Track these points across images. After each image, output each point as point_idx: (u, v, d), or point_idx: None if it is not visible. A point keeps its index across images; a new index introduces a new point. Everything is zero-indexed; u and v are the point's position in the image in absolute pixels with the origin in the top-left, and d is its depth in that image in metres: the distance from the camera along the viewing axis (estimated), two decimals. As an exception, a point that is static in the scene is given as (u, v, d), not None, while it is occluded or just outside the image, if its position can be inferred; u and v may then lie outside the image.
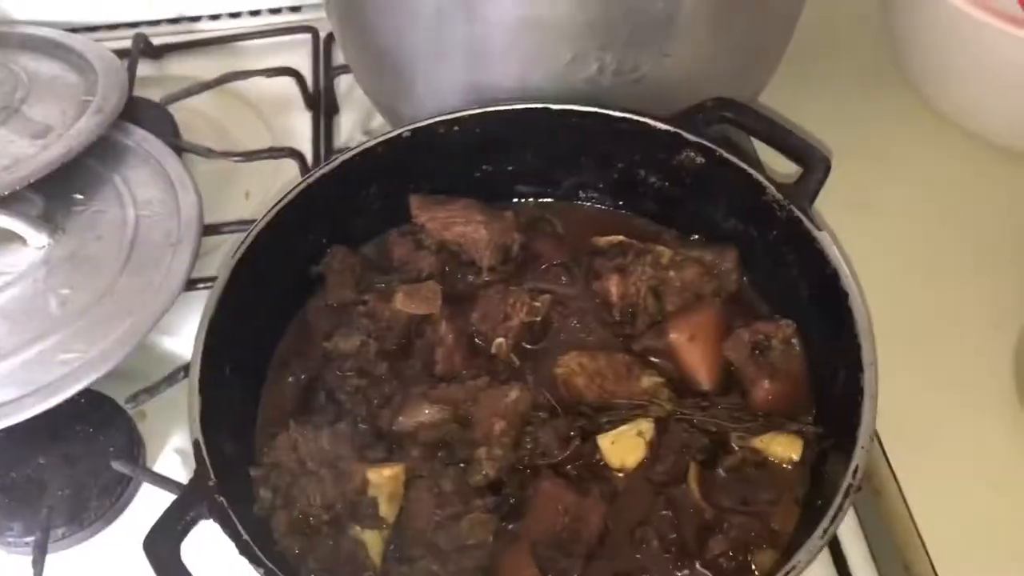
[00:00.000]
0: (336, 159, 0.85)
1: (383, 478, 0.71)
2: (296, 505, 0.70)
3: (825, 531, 0.62)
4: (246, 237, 0.79)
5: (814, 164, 0.80)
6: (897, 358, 0.82)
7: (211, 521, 0.65)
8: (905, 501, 0.83)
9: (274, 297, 0.85)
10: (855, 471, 0.65)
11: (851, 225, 0.85)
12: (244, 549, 0.63)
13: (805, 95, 1.06)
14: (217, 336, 0.75)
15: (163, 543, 0.64)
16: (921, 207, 1.02)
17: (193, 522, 0.65)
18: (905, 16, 1.08)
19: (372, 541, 0.70)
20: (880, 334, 0.75)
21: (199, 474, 0.66)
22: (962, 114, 1.07)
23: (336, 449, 0.72)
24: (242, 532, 0.63)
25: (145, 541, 0.64)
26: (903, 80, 1.12)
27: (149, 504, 0.86)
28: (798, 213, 0.78)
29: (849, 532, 0.82)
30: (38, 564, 0.80)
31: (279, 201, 0.82)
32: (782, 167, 0.87)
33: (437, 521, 0.70)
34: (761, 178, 0.80)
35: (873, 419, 0.67)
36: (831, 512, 0.63)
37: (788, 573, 0.61)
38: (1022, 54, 0.84)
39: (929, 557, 0.80)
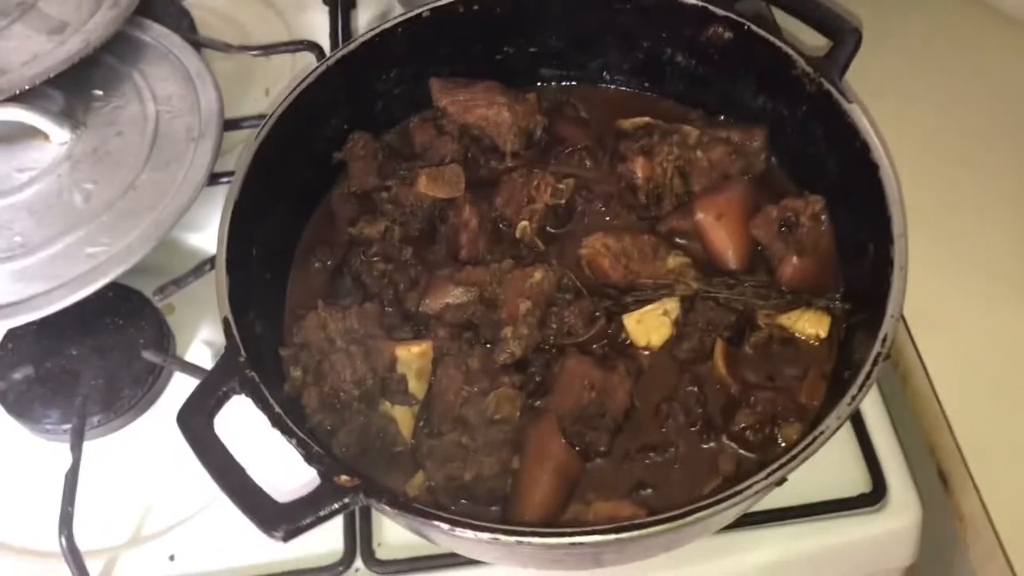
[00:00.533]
0: (355, 40, 0.83)
1: (412, 355, 0.71)
2: (327, 381, 0.70)
3: (854, 398, 0.62)
4: (267, 120, 0.78)
5: (844, 36, 0.78)
6: (924, 242, 0.80)
7: (243, 396, 0.66)
8: (932, 384, 0.83)
9: (297, 184, 0.85)
10: (884, 339, 0.64)
11: (879, 109, 0.82)
12: (276, 421, 0.64)
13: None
14: (242, 221, 0.75)
15: (197, 417, 0.65)
16: (951, 92, 0.99)
17: (226, 396, 0.66)
18: None
19: (402, 416, 0.71)
20: (908, 218, 0.74)
21: (230, 350, 0.67)
22: None
23: (365, 327, 0.72)
24: (274, 405, 0.64)
25: (179, 415, 0.65)
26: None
27: (180, 392, 0.85)
28: (828, 86, 0.76)
29: (875, 416, 0.82)
30: (76, 449, 0.82)
31: (298, 84, 0.81)
32: (810, 44, 0.84)
33: (465, 397, 0.70)
34: (791, 51, 0.78)
35: (903, 288, 0.66)
36: (860, 379, 0.63)
37: (816, 439, 0.61)
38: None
39: (955, 438, 0.80)
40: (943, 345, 0.84)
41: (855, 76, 0.78)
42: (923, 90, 0.99)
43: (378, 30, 0.83)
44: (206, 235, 0.95)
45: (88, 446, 0.83)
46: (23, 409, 0.86)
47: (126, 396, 0.87)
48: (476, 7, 0.84)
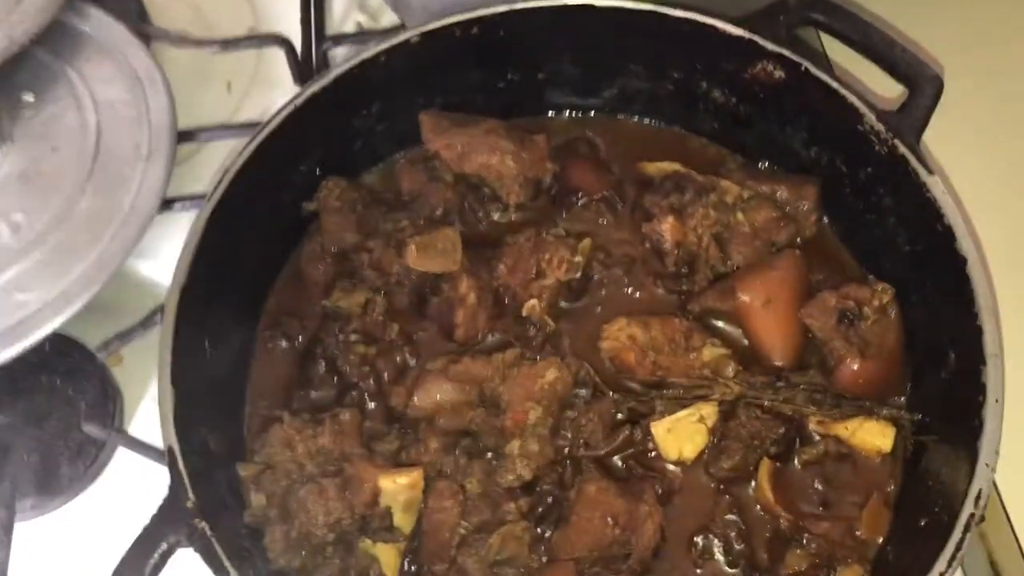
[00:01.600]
0: (329, 74, 0.71)
1: (398, 486, 0.60)
2: (295, 520, 0.59)
3: (950, 562, 0.51)
4: (219, 183, 0.67)
5: (922, 84, 0.66)
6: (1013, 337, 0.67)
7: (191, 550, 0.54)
8: (1015, 533, 0.67)
9: (260, 245, 0.73)
10: (977, 497, 0.53)
11: (963, 158, 0.69)
12: (232, 586, 0.52)
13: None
14: (191, 310, 0.64)
15: (135, 577, 0.53)
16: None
17: (170, 552, 0.55)
18: None
19: (386, 556, 0.61)
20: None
21: (174, 492, 0.55)
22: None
23: (340, 447, 0.61)
24: (230, 569, 0.52)
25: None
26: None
27: (127, 464, 0.78)
28: (903, 149, 0.64)
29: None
30: (4, 546, 0.72)
31: (258, 133, 0.69)
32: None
33: (462, 536, 0.59)
34: (857, 102, 0.66)
35: (999, 428, 0.55)
36: (950, 549, 0.52)
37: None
38: None
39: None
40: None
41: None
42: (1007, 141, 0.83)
43: (356, 62, 0.70)
44: (158, 263, 0.85)
45: (20, 528, 0.73)
46: None
47: (64, 474, 0.77)
48: (475, 30, 0.71)
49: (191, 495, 0.55)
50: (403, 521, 0.61)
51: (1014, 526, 0.66)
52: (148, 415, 0.81)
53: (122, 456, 0.78)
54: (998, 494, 0.67)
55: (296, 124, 0.69)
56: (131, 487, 0.57)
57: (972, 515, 0.52)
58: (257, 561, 0.57)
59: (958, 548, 0.52)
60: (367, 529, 0.60)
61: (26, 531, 0.75)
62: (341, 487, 0.59)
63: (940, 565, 0.51)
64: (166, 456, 0.57)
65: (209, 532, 0.54)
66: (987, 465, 0.54)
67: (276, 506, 0.60)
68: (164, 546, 0.54)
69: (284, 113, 0.68)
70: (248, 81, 0.98)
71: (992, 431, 0.55)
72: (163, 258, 0.83)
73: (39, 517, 0.77)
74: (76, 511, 0.77)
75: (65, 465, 0.77)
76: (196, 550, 0.54)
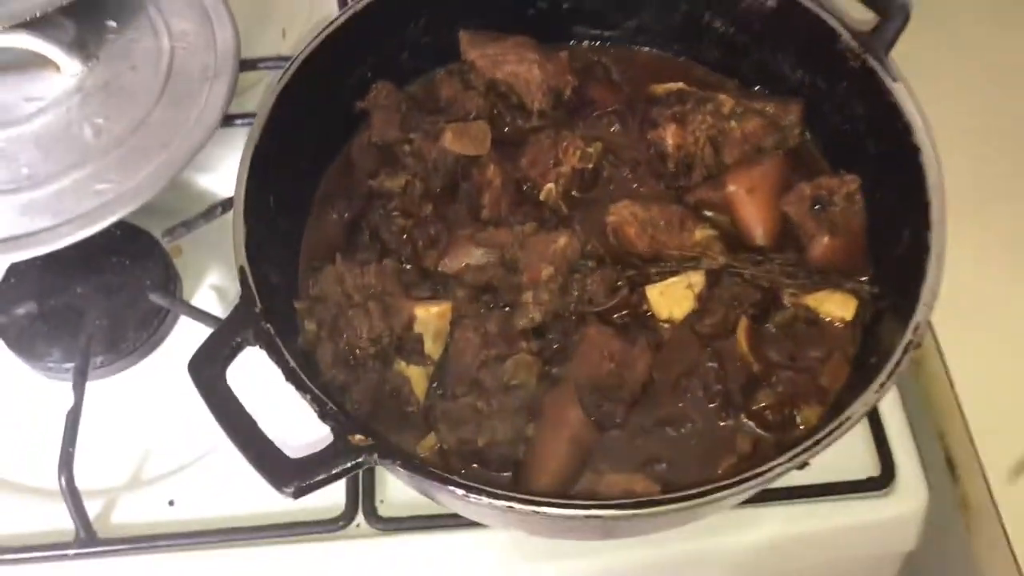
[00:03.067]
0: None
1: (430, 315, 0.70)
2: (342, 337, 0.69)
3: (882, 385, 0.61)
4: (288, 69, 0.77)
5: (893, 11, 0.76)
6: (957, 223, 0.78)
7: (257, 348, 0.65)
8: (947, 370, 0.82)
9: (318, 132, 0.83)
10: (916, 327, 0.63)
11: (924, 90, 0.80)
12: (291, 375, 0.63)
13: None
14: (260, 167, 0.74)
15: (209, 367, 0.63)
16: (1000, 76, 0.96)
17: (239, 347, 0.65)
18: None
19: (416, 376, 0.70)
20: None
21: (245, 300, 0.66)
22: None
23: (383, 284, 0.71)
24: (289, 359, 0.63)
25: (190, 364, 0.64)
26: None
27: (185, 336, 0.87)
28: (873, 62, 0.74)
29: (888, 400, 0.81)
30: (78, 389, 0.81)
31: (323, 30, 0.79)
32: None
33: (482, 360, 0.69)
34: (836, 24, 0.77)
35: (939, 277, 0.65)
36: (889, 366, 0.62)
37: (841, 424, 0.60)
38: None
39: (967, 426, 0.80)
40: (961, 332, 0.84)
41: (900, 55, 0.76)
42: (972, 72, 0.96)
43: None
44: (217, 176, 0.94)
45: (90, 386, 0.82)
46: (25, 345, 0.85)
47: (131, 338, 0.87)
48: (509, -39, 0.82)
49: (259, 303, 0.65)
50: (432, 348, 0.71)
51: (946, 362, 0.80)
52: (205, 298, 0.91)
53: (182, 326, 0.88)
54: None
55: (353, 27, 0.80)
56: (189, 352, 0.65)
57: (910, 341, 0.62)
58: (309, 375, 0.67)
59: (897, 364, 0.62)
60: (402, 351, 0.70)
61: (97, 388, 0.84)
62: (383, 311, 0.69)
63: (881, 377, 0.61)
64: (238, 274, 0.67)
65: (273, 332, 0.64)
66: (925, 304, 0.64)
67: (326, 328, 0.70)
68: (235, 341, 0.64)
69: (344, 16, 0.79)
70: (300, 28, 1.07)
71: (932, 279, 0.65)
72: (222, 172, 0.93)
73: (108, 377, 0.86)
74: (140, 373, 0.87)
75: (132, 330, 0.87)
76: (261, 346, 0.64)
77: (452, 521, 0.75)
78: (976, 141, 0.91)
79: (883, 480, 0.77)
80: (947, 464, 0.84)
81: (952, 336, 0.84)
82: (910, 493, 0.78)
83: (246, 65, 0.95)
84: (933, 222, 0.67)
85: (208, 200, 0.91)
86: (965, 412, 0.81)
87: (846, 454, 0.78)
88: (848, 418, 0.60)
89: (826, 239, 0.75)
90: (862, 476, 0.78)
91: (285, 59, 0.94)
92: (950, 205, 0.70)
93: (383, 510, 0.77)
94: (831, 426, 0.60)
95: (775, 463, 0.59)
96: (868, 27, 0.77)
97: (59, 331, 0.86)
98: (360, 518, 0.76)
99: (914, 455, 0.80)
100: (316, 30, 0.81)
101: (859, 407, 0.61)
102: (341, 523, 0.76)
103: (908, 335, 0.63)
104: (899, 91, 0.73)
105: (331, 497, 0.76)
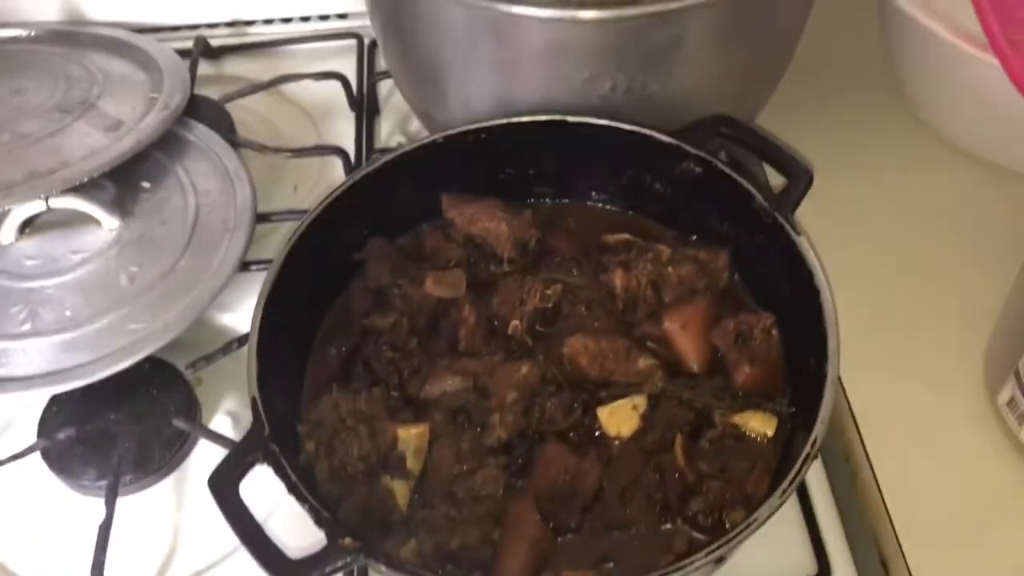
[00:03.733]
0: (378, 160, 0.95)
1: (411, 435, 0.82)
2: (336, 455, 0.81)
3: (784, 491, 0.72)
4: (299, 227, 0.89)
5: (797, 176, 0.90)
6: (877, 350, 0.93)
7: (265, 466, 0.76)
8: (876, 478, 0.92)
9: (321, 280, 0.96)
10: (813, 442, 0.75)
11: (836, 231, 0.94)
12: (293, 488, 0.74)
13: (804, 110, 1.16)
14: (272, 310, 0.85)
15: (225, 483, 0.74)
16: (902, 216, 1.11)
17: (251, 465, 0.75)
18: (893, 34, 1.17)
19: (400, 489, 0.81)
20: (861, 329, 0.85)
21: (256, 426, 0.77)
22: (950, 129, 1.16)
23: (371, 410, 0.83)
24: (291, 475, 0.74)
25: (210, 479, 0.75)
26: (899, 96, 1.21)
27: (205, 457, 0.97)
28: (781, 220, 0.88)
29: (824, 506, 0.92)
30: (110, 504, 0.90)
31: (327, 196, 0.92)
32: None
33: (455, 475, 0.81)
34: (750, 187, 0.90)
35: (832, 399, 0.77)
36: (790, 475, 0.73)
37: (750, 524, 0.71)
38: (992, 78, 0.93)
39: (896, 534, 0.89)
40: (889, 448, 0.94)
41: (821, 198, 0.90)
42: (884, 212, 1.10)
43: (398, 153, 0.95)
44: (235, 315, 1.05)
45: (120, 501, 0.91)
46: (64, 466, 0.94)
47: (156, 458, 0.95)
48: (483, 135, 0.97)
49: (267, 427, 0.77)
50: (413, 464, 0.81)
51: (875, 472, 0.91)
52: (221, 422, 1.01)
53: (202, 447, 0.98)
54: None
55: (353, 194, 0.92)
56: (208, 470, 0.74)
57: (808, 453, 0.74)
58: (308, 489, 0.78)
59: (797, 473, 0.73)
60: (387, 467, 0.81)
61: (126, 503, 0.93)
62: (370, 433, 0.80)
63: (784, 485, 0.72)
64: (251, 403, 0.78)
65: (278, 452, 0.76)
66: (821, 422, 0.75)
67: (323, 448, 0.81)
68: (247, 460, 0.75)
69: (346, 185, 0.92)
70: (311, 185, 1.21)
71: (828, 399, 0.76)
72: (239, 311, 1.04)
73: (137, 492, 0.95)
74: (164, 489, 0.96)
75: (158, 451, 0.95)
76: (269, 464, 0.75)
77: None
78: (887, 274, 1.05)
79: (820, 577, 0.86)
80: (881, 565, 0.93)
81: (879, 447, 0.94)
82: (845, 589, 0.86)
83: (261, 218, 1.08)
84: (829, 353, 0.80)
85: (227, 336, 1.00)
86: (892, 516, 0.90)
87: (786, 556, 0.88)
88: (756, 519, 0.71)
89: (747, 368, 0.87)
90: (801, 575, 0.87)
91: (296, 212, 1.08)
92: (873, 338, 0.83)
93: (373, 605, 0.85)
94: (741, 526, 0.71)
95: (695, 557, 0.70)
96: (779, 189, 0.91)
97: (94, 453, 0.94)
98: (355, 613, 0.84)
99: (847, 556, 0.88)
100: (323, 190, 0.94)
101: (764, 510, 0.72)
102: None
103: (807, 448, 0.74)
104: (802, 244, 0.86)
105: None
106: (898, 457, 0.94)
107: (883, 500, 0.92)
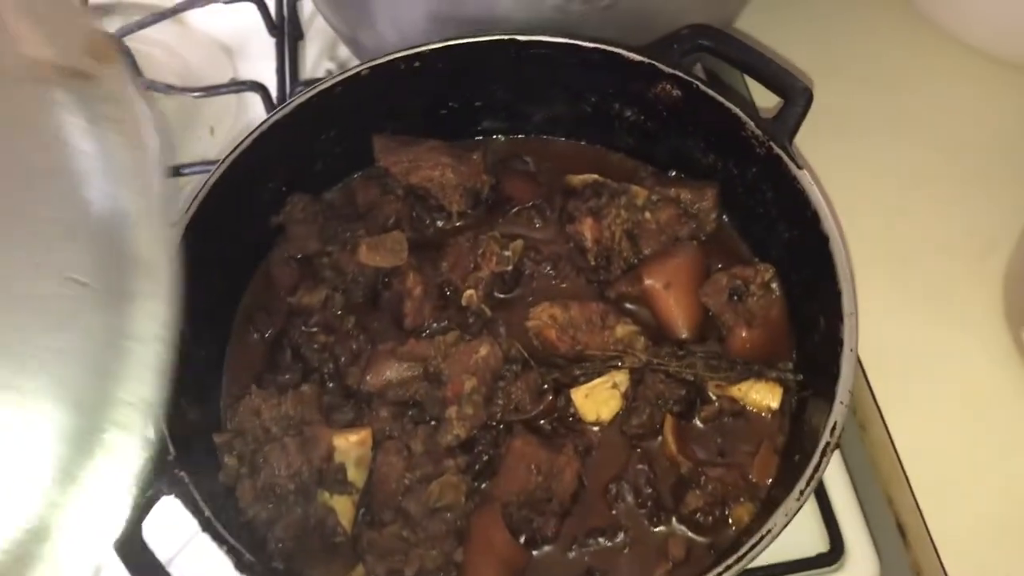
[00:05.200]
0: (290, 103, 0.80)
1: (350, 444, 0.69)
2: (261, 473, 0.68)
3: (802, 492, 0.61)
4: (197, 193, 0.75)
5: (794, 96, 0.76)
6: (883, 285, 0.82)
7: (172, 497, 0.63)
8: (889, 433, 0.82)
9: (234, 251, 0.82)
10: (833, 428, 0.62)
11: (835, 151, 0.82)
12: (206, 526, 0.62)
13: (787, 12, 1.01)
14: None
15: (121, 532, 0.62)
16: (909, 128, 0.98)
17: (154, 499, 0.63)
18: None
19: (342, 507, 0.69)
20: (866, 259, 0.75)
21: (158, 451, 0.64)
22: (953, 23, 1.02)
23: (301, 413, 0.70)
24: (204, 509, 0.62)
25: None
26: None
27: None
28: (777, 150, 0.74)
29: (833, 472, 0.80)
30: None
31: (231, 152, 0.77)
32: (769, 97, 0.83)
33: (406, 486, 0.69)
34: (739, 112, 0.76)
35: (852, 373, 0.65)
36: (808, 472, 0.61)
37: (765, 536, 0.59)
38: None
39: (912, 490, 0.80)
40: (901, 396, 0.84)
41: (814, 112, 0.77)
42: (887, 125, 0.98)
43: (314, 91, 0.80)
44: None
45: None
46: None
47: None
48: (417, 63, 0.82)
49: (172, 449, 0.64)
50: (356, 476, 0.69)
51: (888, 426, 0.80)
52: None
53: None
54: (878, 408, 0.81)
55: (262, 147, 0.78)
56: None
57: (828, 443, 0.62)
58: (230, 513, 0.66)
59: (816, 469, 0.61)
60: (324, 482, 0.68)
61: None
62: (300, 444, 0.68)
63: (801, 484, 0.61)
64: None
65: (187, 479, 0.63)
66: (842, 403, 0.63)
67: (246, 464, 0.68)
68: (148, 494, 0.62)
69: (252, 136, 0.77)
70: (229, 126, 1.07)
71: (847, 375, 0.64)
72: None
73: None
74: None
75: None
76: (176, 495, 0.63)
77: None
78: (893, 196, 0.92)
79: (833, 556, 0.76)
80: (898, 530, 0.84)
81: (892, 399, 0.84)
82: (861, 566, 0.77)
83: (172, 171, 0.95)
84: (845, 313, 0.67)
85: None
86: (910, 478, 0.81)
87: (794, 533, 0.76)
88: (770, 531, 0.60)
89: (744, 332, 0.74)
90: (812, 553, 0.77)
91: (211, 163, 0.94)
92: (880, 269, 0.70)
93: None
94: (753, 540, 0.59)
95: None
96: (773, 113, 0.77)
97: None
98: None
99: (863, 528, 0.79)
100: (242, 132, 0.80)
101: (780, 518, 0.60)
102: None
103: (825, 437, 0.62)
104: (804, 178, 0.73)
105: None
106: (913, 408, 0.83)
107: (898, 457, 0.82)
